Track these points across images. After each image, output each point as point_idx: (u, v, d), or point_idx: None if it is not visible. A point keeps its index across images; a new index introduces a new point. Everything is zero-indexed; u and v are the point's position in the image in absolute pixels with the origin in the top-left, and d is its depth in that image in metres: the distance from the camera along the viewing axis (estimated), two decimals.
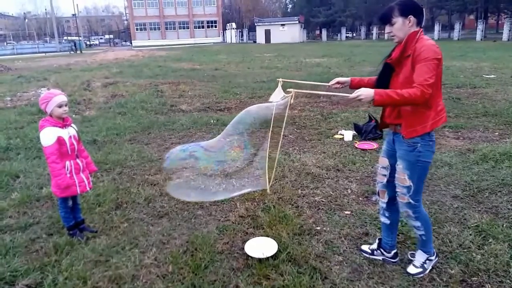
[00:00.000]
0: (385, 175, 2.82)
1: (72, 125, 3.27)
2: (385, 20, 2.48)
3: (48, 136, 3.04)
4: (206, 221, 3.74)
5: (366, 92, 2.31)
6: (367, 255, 3.04)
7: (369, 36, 64.54)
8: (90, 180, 3.36)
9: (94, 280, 2.81)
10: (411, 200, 2.62)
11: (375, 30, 61.17)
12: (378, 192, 2.94)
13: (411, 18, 2.40)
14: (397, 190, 2.69)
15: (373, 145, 5.74)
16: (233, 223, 3.68)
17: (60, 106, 3.08)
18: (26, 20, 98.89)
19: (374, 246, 3.05)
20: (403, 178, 2.59)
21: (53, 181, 3.13)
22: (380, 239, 3.04)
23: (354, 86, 2.79)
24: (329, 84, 2.78)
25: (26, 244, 3.34)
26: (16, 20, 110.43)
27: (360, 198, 4.09)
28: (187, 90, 12.09)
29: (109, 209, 3.94)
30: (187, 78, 15.09)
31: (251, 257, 3.04)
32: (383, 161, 2.82)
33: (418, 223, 2.70)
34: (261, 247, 3.15)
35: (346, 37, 66.51)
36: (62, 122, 3.15)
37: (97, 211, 3.91)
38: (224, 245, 3.28)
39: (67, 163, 3.14)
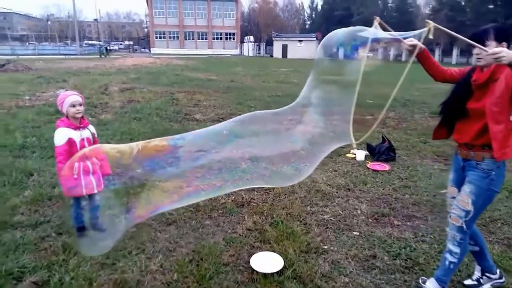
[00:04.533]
0: None
1: (89, 127, 3.34)
2: (478, 41, 2.38)
3: (59, 136, 3.15)
4: (213, 232, 3.75)
5: (510, 54, 2.07)
6: None
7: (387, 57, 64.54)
8: (102, 183, 3.39)
9: (100, 282, 2.83)
10: (464, 226, 2.56)
11: (392, 51, 61.16)
12: None
13: (504, 44, 2.35)
14: (453, 211, 2.62)
15: (385, 166, 5.70)
16: (240, 235, 3.68)
17: (73, 105, 3.17)
18: (49, 22, 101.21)
19: (478, 274, 2.94)
20: (466, 202, 2.53)
21: (60, 180, 3.19)
22: (479, 267, 2.93)
23: (420, 55, 2.64)
24: (406, 42, 2.59)
25: (35, 241, 3.39)
26: (39, 22, 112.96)
27: (370, 220, 4.05)
28: (202, 100, 12.20)
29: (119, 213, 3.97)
30: (202, 88, 15.24)
31: (256, 271, 3.03)
32: (453, 191, 2.76)
33: (457, 250, 2.62)
34: (267, 262, 3.14)
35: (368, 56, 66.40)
36: (77, 124, 3.22)
37: (107, 213, 3.93)
38: (230, 257, 3.28)
39: (76, 164, 3.19)
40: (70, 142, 3.14)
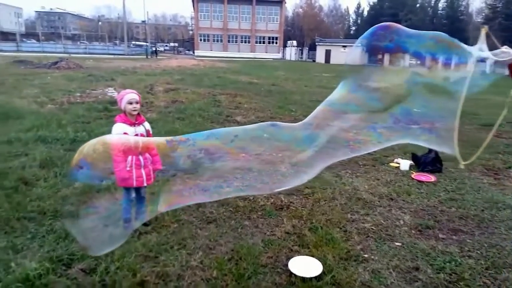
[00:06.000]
0: None
1: (145, 124, 3.49)
2: None
3: (115, 130, 3.33)
4: (252, 233, 3.77)
5: None
6: None
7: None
8: (152, 177, 3.50)
9: (143, 273, 2.93)
10: None
11: (440, 60, 59.19)
12: None
13: None
14: None
15: (431, 177, 5.49)
16: (278, 238, 3.68)
17: (130, 103, 3.34)
18: (100, 23, 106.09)
19: None
20: None
21: (114, 171, 3.33)
22: None
23: None
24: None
25: (83, 231, 3.54)
26: (90, 22, 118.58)
27: (413, 231, 3.93)
28: (244, 103, 12.32)
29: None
30: (244, 91, 15.38)
31: (294, 274, 3.02)
32: None
33: None
34: (305, 266, 3.13)
35: (410, 64, 64.83)
36: (133, 120, 3.37)
37: (150, 209, 4.06)
38: (268, 259, 3.29)
39: (129, 157, 3.33)
40: None
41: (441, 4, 76.82)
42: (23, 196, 4.27)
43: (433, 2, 78.02)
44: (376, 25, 2.71)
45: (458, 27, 64.67)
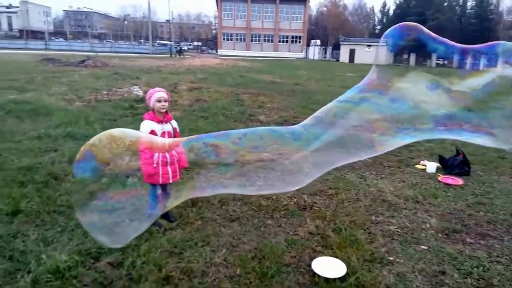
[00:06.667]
0: None
1: (172, 122, 3.55)
2: None
3: (143, 128, 3.41)
4: (275, 232, 3.78)
5: None
6: None
7: (463, 66, 60.98)
8: (177, 174, 3.55)
9: (168, 269, 2.98)
10: None
11: (469, 60, 57.66)
12: None
13: None
14: None
15: (459, 180, 5.36)
16: (302, 238, 3.68)
17: (159, 101, 3.41)
18: (125, 22, 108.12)
19: None
20: None
21: (141, 167, 3.40)
22: None
23: None
24: None
25: (110, 225, 3.62)
26: (116, 21, 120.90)
27: (440, 235, 3.84)
28: (267, 102, 12.31)
29: (186, 206, 4.12)
30: (267, 90, 15.37)
31: (318, 275, 3.01)
32: None
33: None
34: (329, 267, 3.11)
35: (437, 64, 63.38)
36: (161, 118, 3.43)
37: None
38: (292, 258, 3.29)
39: (156, 154, 3.39)
40: (153, 134, 3.35)
41: (470, 3, 74.65)
42: (53, 190, 4.40)
43: (461, 1, 75.95)
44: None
45: (487, 26, 62.85)
